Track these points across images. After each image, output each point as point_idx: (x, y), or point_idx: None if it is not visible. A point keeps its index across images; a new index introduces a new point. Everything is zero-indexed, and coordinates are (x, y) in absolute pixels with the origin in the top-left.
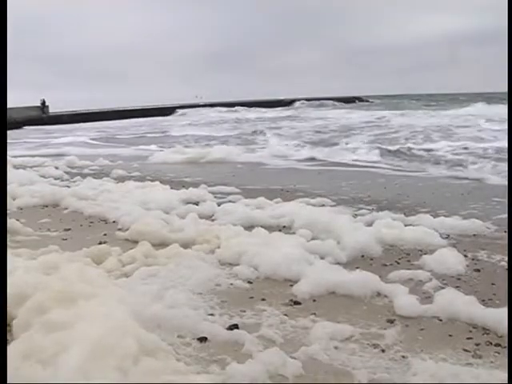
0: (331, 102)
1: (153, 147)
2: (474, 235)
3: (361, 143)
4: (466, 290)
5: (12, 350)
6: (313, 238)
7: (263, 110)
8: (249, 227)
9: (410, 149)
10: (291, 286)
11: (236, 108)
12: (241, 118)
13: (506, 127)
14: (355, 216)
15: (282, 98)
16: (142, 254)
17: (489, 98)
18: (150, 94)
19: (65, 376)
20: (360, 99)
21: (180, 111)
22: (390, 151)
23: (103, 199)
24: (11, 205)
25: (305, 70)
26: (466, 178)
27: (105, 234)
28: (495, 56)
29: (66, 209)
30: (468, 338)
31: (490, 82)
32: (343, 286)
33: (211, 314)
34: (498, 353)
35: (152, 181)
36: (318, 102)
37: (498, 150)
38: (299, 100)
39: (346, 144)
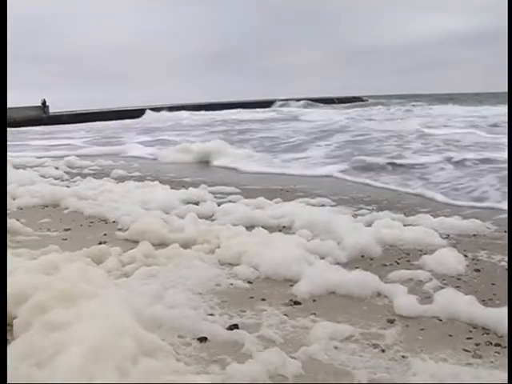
0: (316, 102)
1: None
2: (474, 235)
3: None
4: (466, 290)
5: (12, 350)
6: (313, 238)
7: (241, 111)
8: (249, 227)
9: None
10: (291, 286)
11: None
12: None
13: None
14: (355, 216)
15: (276, 98)
16: (142, 254)
17: (490, 99)
18: (150, 94)
19: (65, 376)
20: (360, 99)
21: (150, 113)
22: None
23: (103, 199)
24: (11, 205)
25: (305, 69)
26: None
27: (105, 234)
28: (495, 56)
29: (66, 209)
30: (468, 338)
31: (489, 82)
32: (343, 286)
33: (211, 314)
34: (498, 353)
35: (152, 181)
36: (302, 103)
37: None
38: (299, 100)
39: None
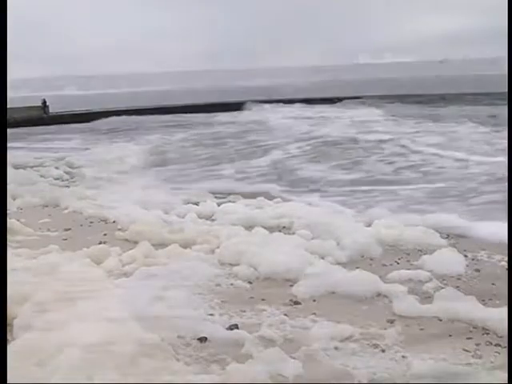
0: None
1: None
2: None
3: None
4: (466, 290)
5: (12, 349)
6: (313, 239)
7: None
8: (249, 227)
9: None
10: (291, 286)
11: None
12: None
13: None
14: (355, 216)
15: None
16: (142, 254)
17: (487, 99)
18: (150, 94)
19: (65, 376)
20: (359, 98)
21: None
22: None
23: (103, 199)
24: (11, 205)
25: (306, 69)
26: None
27: (105, 234)
28: (494, 56)
29: (66, 209)
30: (468, 338)
31: (489, 83)
32: (343, 286)
33: (211, 314)
34: (498, 353)
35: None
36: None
37: None
38: (293, 101)
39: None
